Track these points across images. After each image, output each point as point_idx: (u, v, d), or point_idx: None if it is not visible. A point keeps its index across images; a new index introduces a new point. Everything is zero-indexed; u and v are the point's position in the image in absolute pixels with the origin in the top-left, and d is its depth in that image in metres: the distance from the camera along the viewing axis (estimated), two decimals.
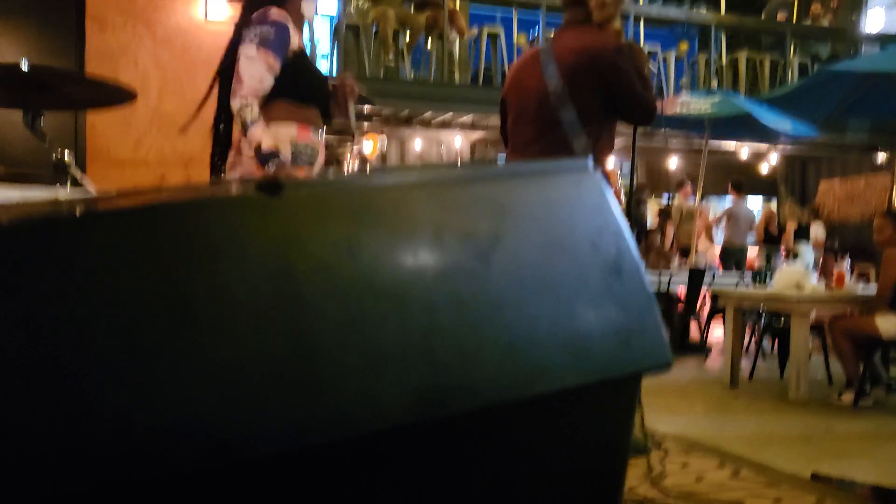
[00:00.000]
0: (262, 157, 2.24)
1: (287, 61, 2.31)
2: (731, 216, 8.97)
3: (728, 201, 9.20)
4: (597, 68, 2.62)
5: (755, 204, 11.47)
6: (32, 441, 0.57)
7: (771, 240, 9.26)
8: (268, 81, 2.27)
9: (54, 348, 0.58)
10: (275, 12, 2.33)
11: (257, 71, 2.25)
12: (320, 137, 2.46)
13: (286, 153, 2.33)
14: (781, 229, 9.55)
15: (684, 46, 9.33)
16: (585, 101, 2.63)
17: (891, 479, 2.75)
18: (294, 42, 2.34)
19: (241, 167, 2.37)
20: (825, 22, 9.94)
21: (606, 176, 2.69)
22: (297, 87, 2.35)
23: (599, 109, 2.66)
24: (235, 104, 2.26)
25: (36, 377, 0.58)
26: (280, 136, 2.32)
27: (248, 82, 2.24)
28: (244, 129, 2.25)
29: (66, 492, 0.57)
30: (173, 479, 0.60)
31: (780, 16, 9.89)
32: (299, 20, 2.44)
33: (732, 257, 8.88)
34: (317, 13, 8.11)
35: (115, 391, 0.59)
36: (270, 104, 2.33)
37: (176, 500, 0.61)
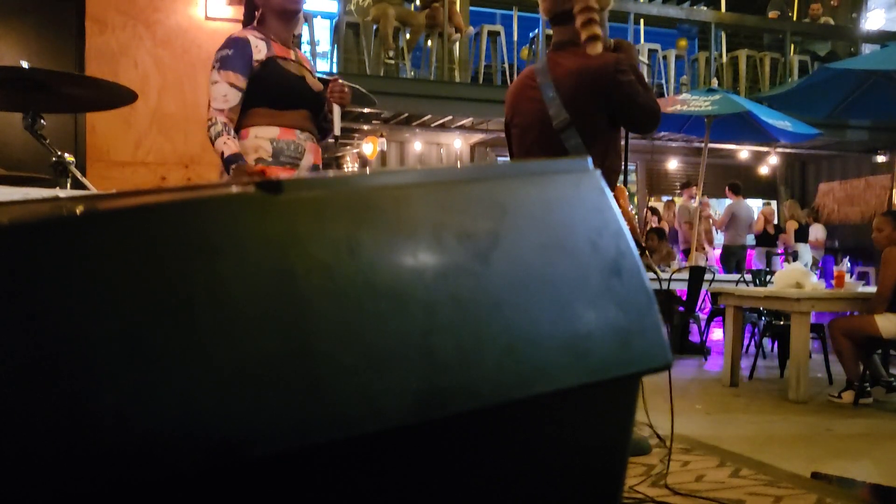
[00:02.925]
0: (225, 164, 2.40)
1: (254, 72, 2.45)
2: (732, 216, 9.01)
3: (729, 202, 9.25)
4: (598, 88, 2.56)
5: (755, 205, 11.52)
6: (30, 442, 0.57)
7: (767, 240, 9.29)
8: (232, 96, 2.43)
9: (52, 348, 0.58)
10: (237, 32, 2.52)
11: (219, 91, 2.42)
12: (307, 138, 2.53)
13: (267, 150, 2.45)
14: (779, 229, 9.59)
15: (683, 43, 9.34)
16: (589, 123, 2.57)
17: (891, 478, 2.75)
18: (260, 53, 2.47)
19: None
20: (824, 21, 9.94)
21: (616, 196, 2.67)
22: (269, 94, 2.47)
23: (604, 129, 2.60)
24: (207, 125, 2.44)
25: (34, 377, 0.58)
26: (260, 135, 2.46)
27: (212, 104, 2.43)
28: (212, 144, 2.42)
29: (64, 493, 0.57)
30: (171, 479, 0.60)
31: (772, 14, 9.90)
32: (281, 37, 2.56)
33: (734, 257, 8.91)
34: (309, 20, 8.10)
35: (113, 391, 0.59)
36: (250, 112, 2.47)
37: (174, 500, 0.61)
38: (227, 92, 2.42)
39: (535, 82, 2.69)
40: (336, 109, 2.62)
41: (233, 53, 2.43)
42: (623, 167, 2.85)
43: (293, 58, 2.57)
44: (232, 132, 2.42)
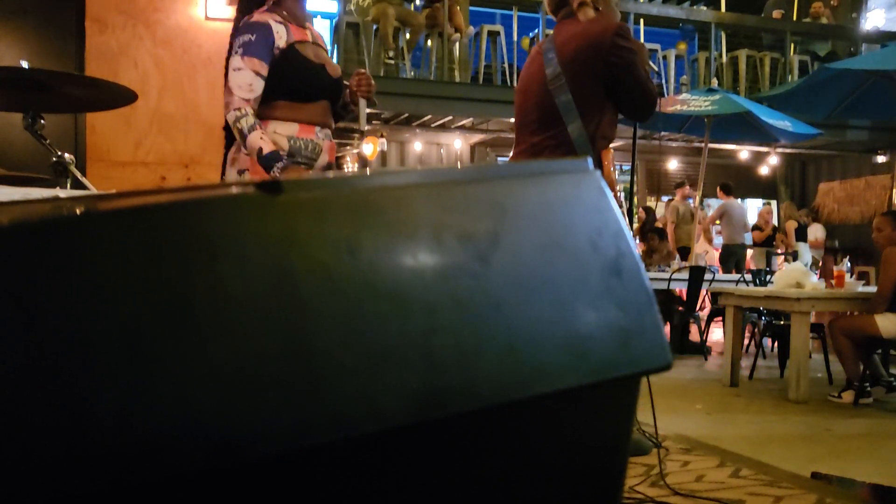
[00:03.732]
0: (265, 162, 2.26)
1: (275, 59, 2.33)
2: (725, 214, 9.03)
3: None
4: (597, 50, 2.59)
5: (754, 205, 11.50)
6: (31, 442, 0.57)
7: (766, 240, 9.30)
8: (258, 85, 2.30)
9: (52, 348, 0.59)
10: (256, 16, 2.36)
11: (244, 79, 2.28)
12: (325, 136, 2.46)
13: (283, 148, 2.35)
14: (777, 230, 9.60)
15: (683, 46, 9.34)
16: (584, 84, 2.62)
17: (891, 478, 2.75)
18: (281, 39, 2.34)
19: (239, 164, 2.40)
20: (825, 20, 9.94)
21: (601, 159, 2.71)
22: (289, 85, 2.36)
23: (600, 95, 2.64)
24: (230, 116, 2.29)
25: (34, 377, 0.58)
26: (280, 131, 2.35)
27: (237, 93, 2.28)
28: (242, 138, 2.29)
29: (64, 493, 0.57)
30: (171, 480, 0.60)
31: (776, 13, 9.89)
32: (296, 16, 2.44)
33: (733, 256, 8.92)
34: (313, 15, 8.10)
35: (113, 391, 0.59)
36: (270, 104, 2.35)
37: (174, 501, 0.62)
38: (252, 80, 2.29)
39: (541, 50, 2.77)
40: (362, 103, 2.51)
41: (255, 39, 2.31)
42: (632, 166, 2.92)
43: (310, 38, 2.45)
44: (260, 125, 2.30)
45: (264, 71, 2.31)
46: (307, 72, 2.39)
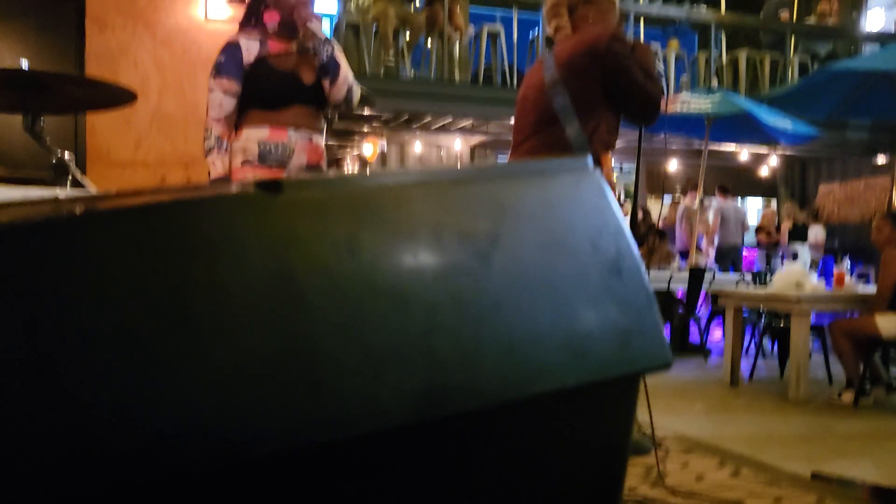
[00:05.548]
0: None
1: (246, 73, 2.51)
2: (719, 215, 9.03)
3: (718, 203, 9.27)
4: (593, 54, 2.65)
5: (754, 205, 11.47)
6: (32, 442, 0.57)
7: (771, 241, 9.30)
8: (227, 103, 2.51)
9: (53, 348, 0.59)
10: (231, 36, 2.57)
11: (214, 99, 2.51)
12: (301, 138, 2.53)
13: (253, 152, 2.52)
14: (779, 230, 9.60)
15: (674, 44, 9.32)
16: (580, 87, 2.64)
17: (891, 478, 2.75)
18: (251, 55, 2.51)
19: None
20: (830, 21, 9.91)
21: (600, 163, 2.72)
22: (259, 94, 2.52)
23: (597, 98, 2.66)
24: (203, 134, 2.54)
25: (35, 377, 0.58)
26: (251, 137, 2.52)
27: (209, 113, 2.52)
28: (204, 155, 2.53)
29: (65, 493, 0.57)
30: (173, 479, 0.60)
31: (783, 15, 9.88)
32: (282, 33, 2.56)
33: (727, 257, 8.92)
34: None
35: (115, 391, 0.59)
36: (246, 114, 2.53)
37: (175, 500, 0.62)
38: (221, 100, 2.50)
39: (542, 60, 2.83)
40: (313, 25, 2.53)
41: (225, 59, 2.51)
42: (637, 167, 2.95)
43: (294, 49, 2.57)
44: (224, 145, 2.50)
45: (234, 87, 2.50)
46: (275, 80, 2.53)
